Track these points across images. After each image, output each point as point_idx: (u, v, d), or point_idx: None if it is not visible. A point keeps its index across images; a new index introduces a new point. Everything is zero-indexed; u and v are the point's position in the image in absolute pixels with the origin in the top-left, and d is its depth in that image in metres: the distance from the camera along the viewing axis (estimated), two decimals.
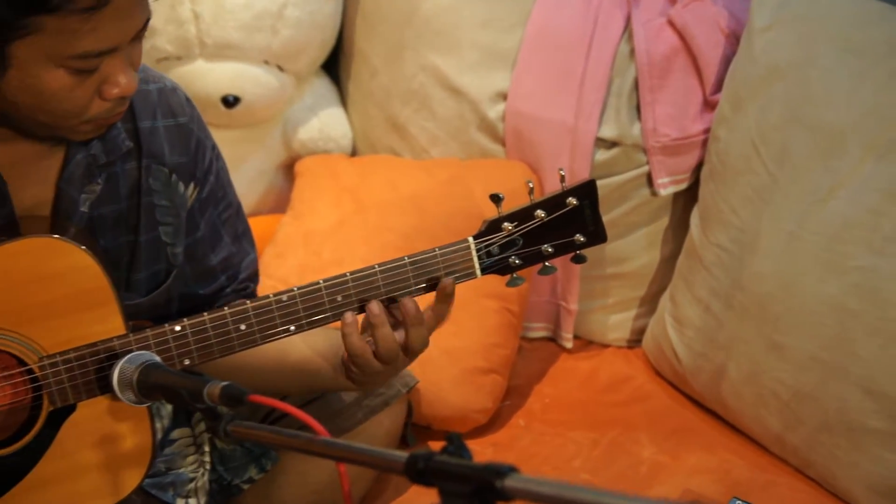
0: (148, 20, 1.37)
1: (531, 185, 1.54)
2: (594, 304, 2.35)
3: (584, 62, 2.20)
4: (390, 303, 1.51)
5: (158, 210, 1.59)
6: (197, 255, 1.65)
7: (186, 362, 1.48)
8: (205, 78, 2.37)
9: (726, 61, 2.13)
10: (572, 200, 1.55)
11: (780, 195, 1.93)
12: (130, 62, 1.38)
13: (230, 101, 2.38)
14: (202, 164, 1.62)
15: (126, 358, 1.38)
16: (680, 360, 2.14)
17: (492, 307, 2.15)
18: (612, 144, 2.22)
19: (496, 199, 1.53)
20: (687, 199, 2.23)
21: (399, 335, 1.51)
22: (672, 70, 2.18)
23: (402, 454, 1.02)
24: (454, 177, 2.26)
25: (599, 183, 2.18)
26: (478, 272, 1.54)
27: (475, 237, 1.53)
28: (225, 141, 2.46)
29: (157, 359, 1.40)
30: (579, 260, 1.57)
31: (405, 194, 2.26)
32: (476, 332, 2.12)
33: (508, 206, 1.53)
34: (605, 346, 2.37)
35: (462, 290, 2.09)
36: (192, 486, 1.76)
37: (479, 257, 1.53)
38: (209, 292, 1.69)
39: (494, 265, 1.55)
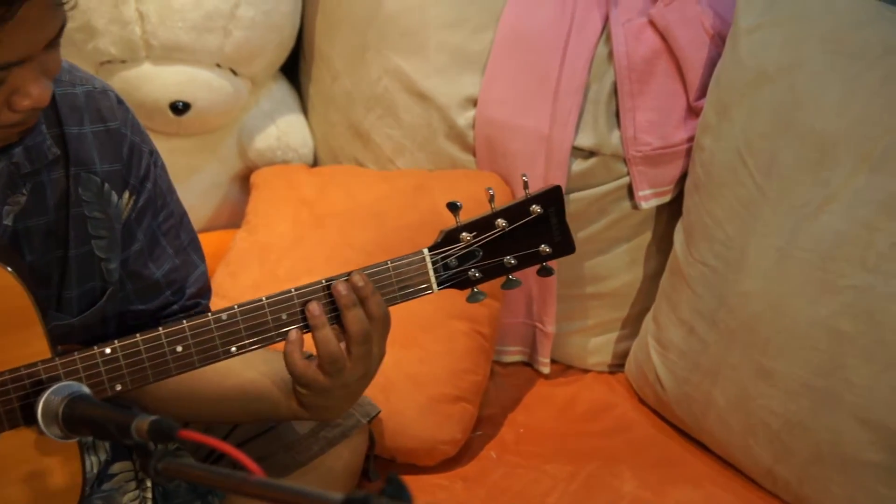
0: (63, 26, 1.35)
1: (491, 192, 1.53)
2: (573, 325, 2.34)
3: (560, 66, 2.19)
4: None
5: (90, 222, 1.56)
6: (136, 269, 1.63)
7: (118, 388, 1.46)
8: (152, 83, 2.35)
9: (711, 64, 2.12)
10: (536, 208, 1.54)
11: (769, 209, 1.93)
12: (44, 71, 1.36)
13: (179, 108, 2.36)
14: (137, 170, 1.60)
15: (52, 389, 1.36)
16: (664, 387, 2.13)
17: (461, 329, 2.14)
18: (589, 154, 2.21)
19: (454, 207, 1.52)
20: (671, 212, 2.22)
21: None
22: (653, 74, 2.17)
23: (338, 496, 1.01)
24: (419, 188, 2.25)
25: (577, 195, 2.22)
26: (434, 286, 1.53)
27: (430, 248, 1.52)
28: (175, 151, 2.47)
29: (86, 390, 1.38)
30: (546, 273, 1.56)
31: (366, 208, 2.25)
32: (444, 357, 2.11)
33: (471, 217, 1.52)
34: (586, 371, 2.36)
35: (429, 310, 2.11)
36: None
37: (436, 270, 1.52)
38: (153, 308, 1.66)
39: (452, 279, 1.53)
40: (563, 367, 2.37)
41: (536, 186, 2.15)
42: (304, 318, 1.50)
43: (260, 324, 1.48)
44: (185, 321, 1.47)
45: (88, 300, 1.59)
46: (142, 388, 1.57)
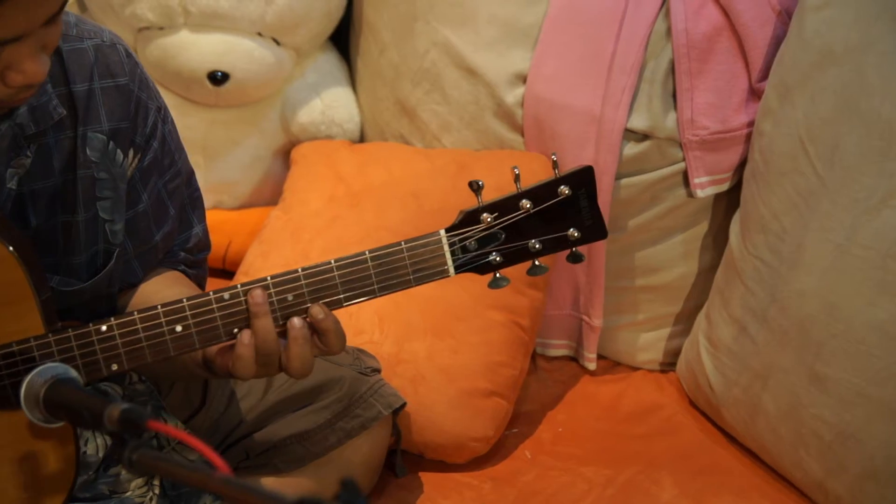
0: (66, 1, 1.34)
1: (517, 171, 1.48)
2: (622, 319, 2.28)
3: (615, 42, 2.13)
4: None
5: (98, 184, 1.56)
6: (139, 230, 1.62)
7: (114, 367, 1.45)
8: (189, 51, 2.34)
9: (776, 43, 2.04)
10: (565, 189, 1.49)
11: (828, 201, 1.85)
12: (42, 46, 1.35)
13: (218, 78, 2.35)
14: (143, 127, 1.59)
15: (36, 370, 1.34)
16: (713, 389, 2.07)
17: (498, 320, 2.09)
18: (643, 137, 2.15)
19: (475, 186, 1.48)
20: (730, 202, 2.15)
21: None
22: (714, 52, 2.09)
23: (291, 498, 0.99)
24: (461, 168, 2.20)
25: (628, 181, 2.17)
26: (451, 270, 1.49)
27: (448, 230, 1.48)
28: (215, 122, 2.46)
29: (73, 373, 1.37)
30: (576, 259, 1.52)
31: (406, 187, 2.21)
32: (478, 349, 2.06)
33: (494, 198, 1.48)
34: (635, 368, 2.30)
35: (465, 299, 2.07)
36: None
37: (453, 252, 1.49)
38: (146, 270, 1.66)
39: (471, 262, 1.50)
40: (611, 364, 2.31)
41: None
42: (312, 301, 1.48)
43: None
44: (184, 299, 1.46)
45: (95, 264, 1.59)
46: (138, 366, 1.57)
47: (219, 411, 1.81)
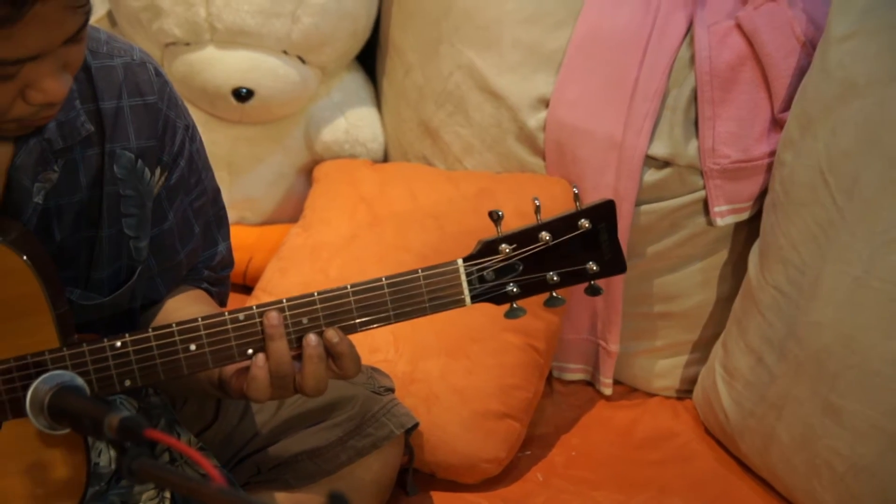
0: (85, 23, 1.35)
1: (537, 202, 1.49)
2: (639, 346, 2.29)
3: (638, 68, 2.15)
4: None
5: (123, 201, 1.57)
6: (164, 248, 1.64)
7: (128, 383, 1.47)
8: (215, 67, 2.37)
9: (800, 74, 2.05)
10: (585, 223, 1.50)
11: (847, 233, 1.86)
12: (63, 64, 1.37)
13: (242, 95, 2.37)
14: (171, 146, 1.61)
15: (42, 378, 1.36)
16: (728, 418, 2.07)
17: (514, 343, 2.11)
18: (664, 164, 2.16)
19: (495, 217, 1.49)
20: (749, 231, 2.16)
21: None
22: (737, 82, 2.11)
23: None
24: (483, 192, 2.22)
25: (648, 207, 2.18)
26: (467, 300, 1.50)
27: (465, 259, 1.50)
28: (239, 138, 2.49)
29: (79, 381, 1.39)
30: (594, 292, 1.52)
31: (426, 209, 2.23)
32: (493, 371, 2.08)
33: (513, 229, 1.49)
34: (651, 395, 2.31)
35: (481, 321, 2.08)
36: None
37: (470, 282, 1.50)
38: (169, 288, 1.68)
39: (488, 292, 1.51)
40: (627, 390, 2.32)
41: (605, 195, 2.16)
42: (327, 325, 1.49)
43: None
44: (199, 319, 1.47)
45: (118, 280, 1.60)
46: (152, 384, 1.58)
47: (231, 425, 1.83)
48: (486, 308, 1.95)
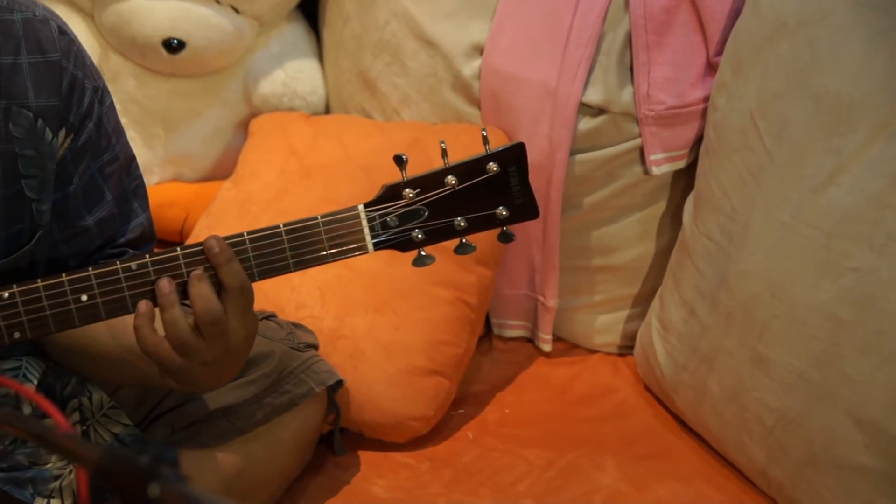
0: None
1: (444, 145, 1.50)
2: (578, 301, 2.30)
3: (573, 13, 2.15)
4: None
5: (21, 161, 1.57)
6: (68, 212, 1.64)
7: (17, 335, 1.47)
8: (144, 17, 2.38)
9: (735, 16, 2.05)
10: (493, 166, 1.50)
11: (776, 178, 1.87)
12: None
13: (173, 46, 2.38)
14: (78, 107, 1.60)
15: None
16: (663, 372, 2.09)
17: (443, 297, 2.12)
18: (598, 111, 2.16)
19: (399, 160, 1.50)
20: (688, 181, 2.16)
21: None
22: (672, 25, 2.11)
23: (94, 449, 1.01)
24: (415, 143, 2.23)
25: (583, 157, 2.19)
26: (369, 246, 1.51)
27: (367, 204, 1.50)
28: (174, 92, 2.50)
29: None
30: (506, 238, 1.53)
31: (357, 160, 2.25)
32: (421, 326, 2.09)
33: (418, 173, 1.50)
34: (592, 351, 2.32)
35: (409, 274, 2.09)
36: (55, 484, 1.77)
37: (372, 228, 1.50)
38: (80, 255, 1.68)
39: (392, 239, 1.51)
40: (568, 346, 2.33)
41: (540, 144, 2.17)
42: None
43: (174, 277, 1.46)
44: (90, 268, 1.48)
45: (16, 243, 1.60)
46: (42, 336, 1.59)
47: (143, 387, 1.83)
48: None
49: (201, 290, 1.45)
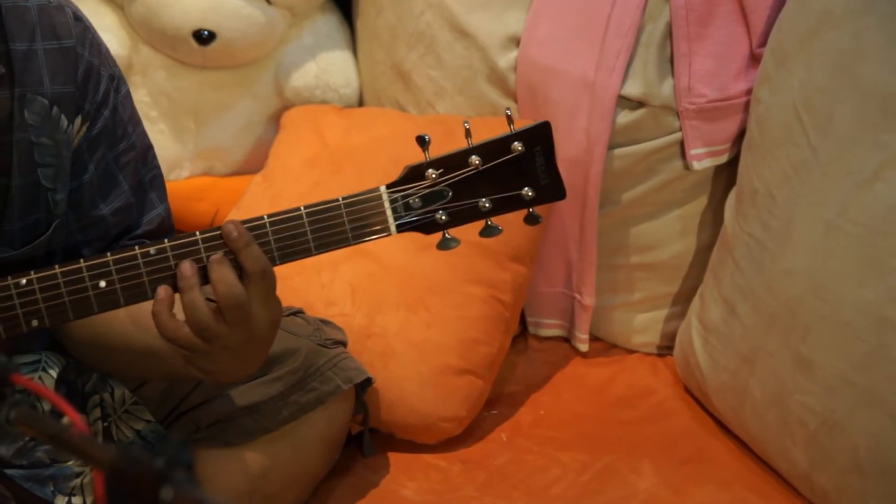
0: None
1: (467, 125, 1.48)
2: (616, 299, 2.26)
3: (611, 3, 2.11)
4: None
5: (37, 149, 1.56)
6: (83, 201, 1.63)
7: (35, 323, 1.46)
8: (173, 8, 2.35)
9: (779, 6, 2.01)
10: (518, 146, 1.48)
11: (820, 174, 1.82)
12: None
13: (203, 37, 2.36)
14: (93, 95, 1.59)
15: None
16: (703, 374, 2.05)
17: (477, 295, 2.09)
18: (637, 104, 2.13)
19: (422, 141, 1.48)
20: (730, 176, 2.12)
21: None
22: (714, 15, 2.07)
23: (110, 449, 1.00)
24: (449, 136, 2.18)
25: (622, 151, 2.15)
26: (392, 228, 1.48)
27: (389, 186, 1.48)
28: (205, 84, 2.48)
29: None
30: (533, 220, 1.50)
31: (389, 155, 2.21)
32: (453, 324, 2.06)
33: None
34: (630, 351, 2.29)
35: (442, 271, 2.07)
36: (77, 482, 1.76)
37: (395, 210, 1.48)
38: (97, 245, 1.66)
39: (415, 221, 1.48)
40: (606, 346, 2.30)
41: (578, 138, 2.13)
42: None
43: (193, 261, 1.44)
44: (108, 254, 1.46)
45: (32, 233, 1.59)
46: (61, 325, 1.58)
47: (168, 380, 1.82)
48: (449, 258, 1.94)
49: (222, 273, 1.43)
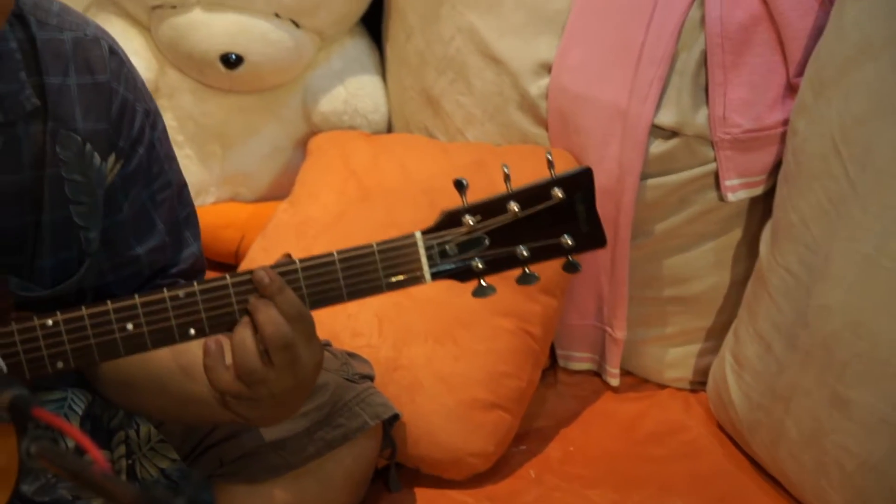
0: None
1: (506, 170, 1.46)
2: (649, 333, 2.24)
3: (645, 31, 2.10)
4: None
5: (68, 185, 1.55)
6: (117, 241, 1.61)
7: (60, 365, 1.44)
8: (201, 31, 2.36)
9: (817, 35, 1.99)
10: (558, 192, 1.45)
11: (859, 208, 1.81)
12: None
13: (231, 61, 2.37)
14: (128, 132, 1.58)
15: None
16: (737, 411, 2.03)
17: (506, 327, 2.08)
18: (671, 134, 2.11)
19: (459, 185, 1.46)
20: (765, 208, 2.10)
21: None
22: (751, 44, 2.05)
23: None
24: (478, 165, 2.19)
25: (655, 181, 2.14)
26: (427, 276, 1.46)
27: (425, 231, 1.46)
28: (232, 108, 2.49)
29: None
30: (572, 268, 1.48)
31: (419, 183, 2.21)
32: (482, 357, 2.05)
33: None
34: (662, 386, 2.27)
35: (471, 303, 2.03)
36: None
37: (430, 257, 1.45)
38: (129, 285, 1.65)
39: (451, 268, 1.46)
40: (637, 381, 2.28)
41: (609, 167, 2.12)
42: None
43: (222, 304, 1.43)
44: (136, 296, 1.45)
45: (64, 271, 1.57)
46: (88, 367, 1.57)
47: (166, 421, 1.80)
48: None
49: (269, 314, 1.40)
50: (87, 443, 1.14)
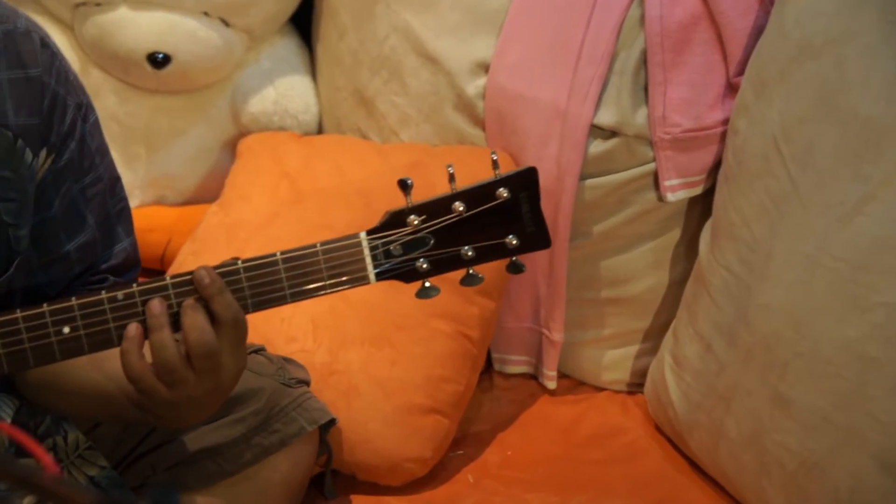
0: None
1: (451, 170, 1.48)
2: (586, 335, 2.28)
3: (584, 29, 2.13)
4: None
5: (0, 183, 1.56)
6: (46, 237, 1.60)
7: None
8: (127, 30, 2.36)
9: (758, 34, 2.04)
10: (503, 192, 1.48)
11: (800, 207, 1.85)
12: None
13: (158, 60, 2.37)
14: (59, 126, 1.57)
15: None
16: (676, 412, 2.07)
17: (444, 331, 2.10)
18: (610, 134, 2.15)
19: (404, 185, 1.48)
20: (704, 208, 2.15)
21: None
22: (691, 43, 2.09)
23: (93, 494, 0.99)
24: (415, 166, 2.21)
25: (594, 182, 2.17)
26: (371, 276, 1.48)
27: (369, 232, 1.48)
28: (158, 109, 2.48)
29: None
30: (516, 269, 1.50)
31: (353, 184, 2.22)
32: (419, 361, 2.07)
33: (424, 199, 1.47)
34: (600, 389, 2.30)
35: (408, 306, 2.08)
36: None
37: (375, 257, 1.47)
38: (58, 283, 1.64)
39: (395, 269, 1.48)
40: (574, 383, 2.31)
41: (548, 168, 2.15)
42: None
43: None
44: (73, 298, 1.44)
45: None
46: (21, 371, 1.56)
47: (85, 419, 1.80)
48: (413, 293, 1.95)
49: (196, 320, 1.42)
50: (37, 449, 1.14)
